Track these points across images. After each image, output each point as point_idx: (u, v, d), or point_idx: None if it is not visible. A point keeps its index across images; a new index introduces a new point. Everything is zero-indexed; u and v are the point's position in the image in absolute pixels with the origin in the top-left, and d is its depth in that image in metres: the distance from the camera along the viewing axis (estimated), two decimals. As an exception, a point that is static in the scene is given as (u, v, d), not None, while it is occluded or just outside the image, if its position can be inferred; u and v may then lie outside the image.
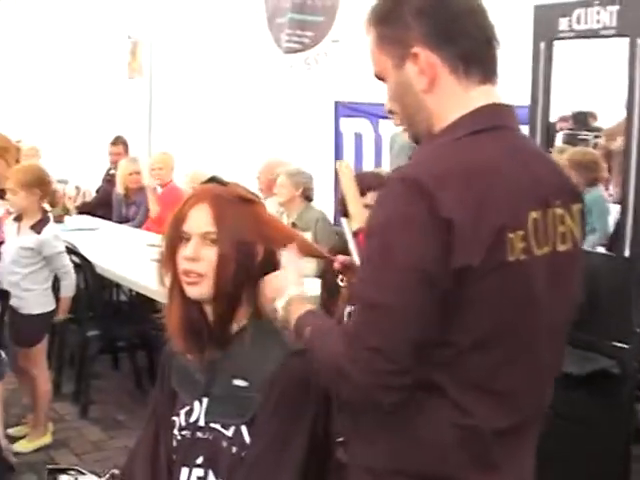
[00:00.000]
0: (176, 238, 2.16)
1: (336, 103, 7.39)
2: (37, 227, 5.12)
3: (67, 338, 6.27)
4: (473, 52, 1.77)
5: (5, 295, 4.85)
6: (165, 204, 7.62)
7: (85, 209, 8.83)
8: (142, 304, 5.78)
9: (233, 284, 2.12)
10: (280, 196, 6.11)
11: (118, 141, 9.15)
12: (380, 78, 1.87)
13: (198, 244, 2.12)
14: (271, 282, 2.11)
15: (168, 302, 2.23)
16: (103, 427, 5.65)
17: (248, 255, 2.14)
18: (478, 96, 1.78)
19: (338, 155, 7.41)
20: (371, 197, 3.13)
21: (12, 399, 5.51)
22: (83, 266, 5.86)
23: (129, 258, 6.20)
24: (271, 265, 2.16)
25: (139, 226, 7.93)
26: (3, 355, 4.70)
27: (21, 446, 5.19)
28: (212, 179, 2.27)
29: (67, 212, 7.86)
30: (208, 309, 2.18)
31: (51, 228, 5.20)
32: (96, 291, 6.03)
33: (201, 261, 2.11)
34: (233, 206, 2.15)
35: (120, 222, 8.25)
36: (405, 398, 1.69)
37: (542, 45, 3.99)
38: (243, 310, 2.17)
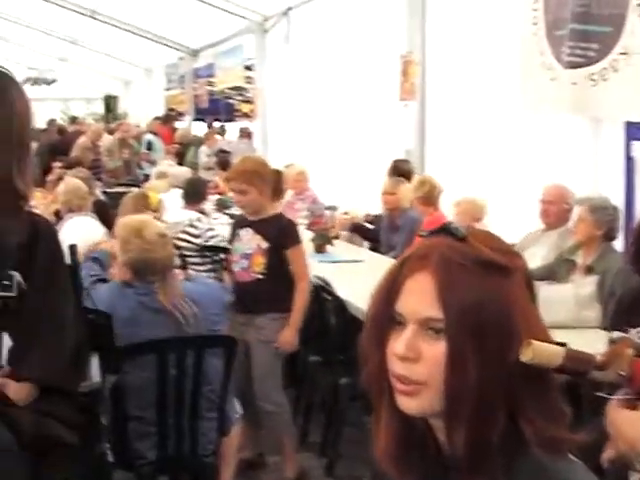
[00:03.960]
0: (385, 318, 1.41)
1: (627, 124, 6.37)
2: None
3: (318, 381, 5.70)
4: None
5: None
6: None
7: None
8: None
9: (475, 397, 1.35)
10: (578, 233, 5.18)
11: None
12: None
13: (416, 335, 1.36)
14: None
15: (375, 409, 1.51)
16: (347, 488, 4.96)
17: (497, 352, 1.36)
18: None
19: (630, 186, 6.37)
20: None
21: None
22: (335, 305, 5.27)
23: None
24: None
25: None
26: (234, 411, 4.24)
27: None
28: (444, 228, 1.43)
29: (328, 241, 7.31)
30: (436, 424, 1.43)
31: None
32: (349, 333, 5.40)
33: (420, 361, 1.37)
34: (473, 277, 1.36)
35: (387, 251, 7.63)
36: None
37: None
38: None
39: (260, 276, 4.81)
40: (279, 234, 4.80)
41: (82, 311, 3.04)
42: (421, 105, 9.18)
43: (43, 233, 2.66)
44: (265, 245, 4.78)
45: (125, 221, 4.17)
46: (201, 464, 3.95)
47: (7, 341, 2.74)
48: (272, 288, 4.80)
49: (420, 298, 1.37)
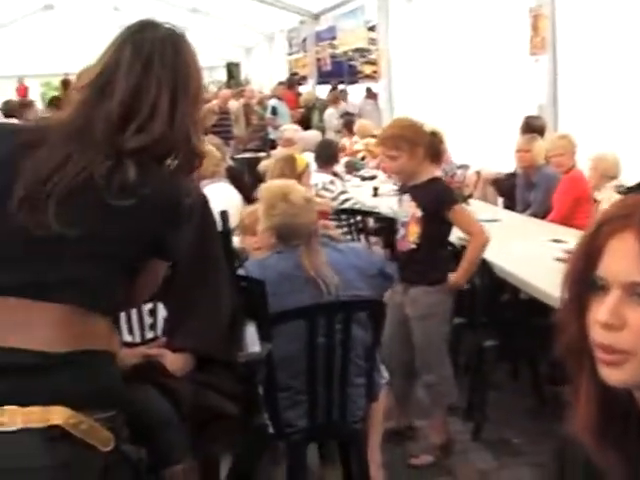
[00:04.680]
0: (585, 283, 1.29)
1: None
2: None
3: (462, 343, 5.58)
4: None
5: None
6: (566, 195, 6.70)
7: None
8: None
9: None
10: None
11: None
12: None
13: (620, 301, 1.22)
14: None
15: (574, 379, 1.41)
16: (494, 452, 4.81)
17: None
18: None
19: None
20: None
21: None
22: (478, 265, 5.11)
23: (529, 256, 5.34)
24: None
25: (540, 213, 7.07)
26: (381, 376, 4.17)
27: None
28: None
29: (464, 200, 7.13)
30: None
31: None
32: (494, 295, 5.28)
33: (625, 329, 1.24)
34: None
35: (523, 209, 7.43)
36: None
37: None
38: None
39: (414, 245, 4.61)
40: (434, 200, 4.54)
41: (236, 279, 3.01)
42: (552, 59, 8.90)
43: (195, 199, 2.61)
44: (419, 213, 4.55)
45: (269, 186, 4.10)
46: (350, 431, 3.87)
47: (162, 311, 2.73)
48: (425, 259, 4.59)
49: (624, 261, 1.25)
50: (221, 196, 6.18)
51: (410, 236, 4.62)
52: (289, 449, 3.85)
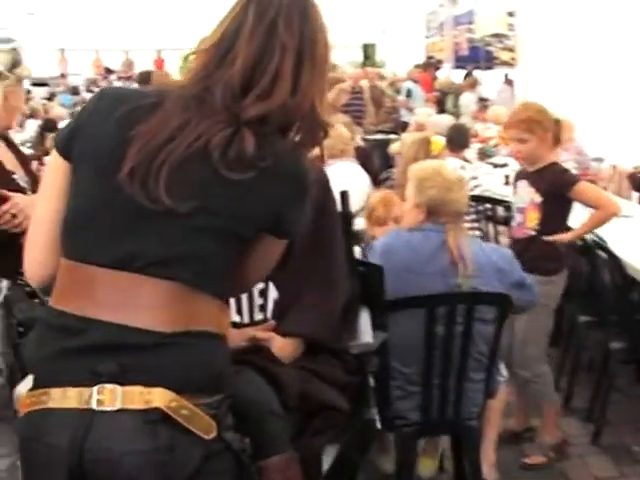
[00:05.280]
0: None
1: None
2: None
3: (586, 342, 5.31)
4: None
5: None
6: None
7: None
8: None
9: None
10: None
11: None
12: None
13: None
14: None
15: None
16: (614, 459, 4.53)
17: None
18: None
19: None
20: None
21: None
22: (609, 262, 4.86)
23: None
24: None
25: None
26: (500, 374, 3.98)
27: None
28: None
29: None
30: None
31: None
32: (624, 294, 4.97)
33: None
34: None
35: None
36: None
37: None
38: None
39: (533, 232, 4.43)
40: (555, 182, 4.37)
41: (354, 263, 2.85)
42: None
43: (314, 177, 2.46)
44: (539, 199, 4.38)
45: (420, 164, 3.98)
46: (464, 428, 3.70)
47: (274, 292, 2.59)
48: (543, 247, 4.39)
49: None
50: (348, 175, 6.08)
51: (529, 222, 4.46)
52: (399, 441, 3.70)
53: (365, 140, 10.53)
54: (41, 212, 1.96)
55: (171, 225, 1.80)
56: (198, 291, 1.82)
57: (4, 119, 3.45)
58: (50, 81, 21.51)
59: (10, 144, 3.50)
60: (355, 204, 4.92)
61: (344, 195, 2.81)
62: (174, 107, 1.84)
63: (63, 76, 24.29)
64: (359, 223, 4.98)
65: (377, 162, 8.97)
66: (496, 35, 16.53)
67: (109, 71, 26.22)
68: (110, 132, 1.84)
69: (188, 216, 1.78)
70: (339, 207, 2.72)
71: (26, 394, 1.85)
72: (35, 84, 18.21)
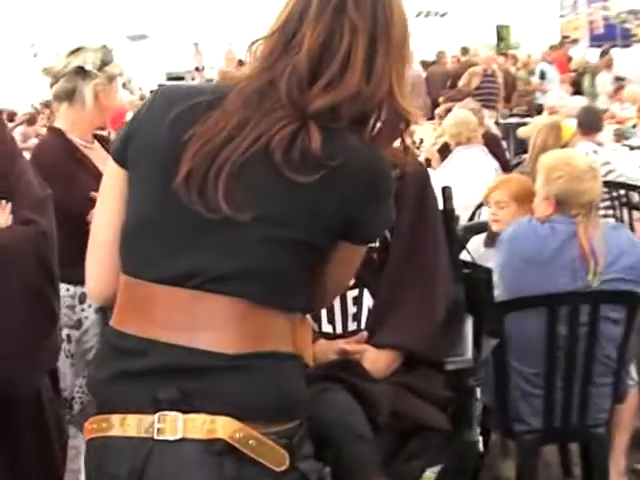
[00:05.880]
0: None
1: None
2: None
3: None
4: None
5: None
6: None
7: None
8: None
9: None
10: None
11: None
12: None
13: None
14: None
15: None
16: None
17: None
18: None
19: None
20: None
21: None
22: None
23: None
24: None
25: None
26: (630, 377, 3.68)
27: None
28: None
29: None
30: None
31: None
32: None
33: None
34: None
35: None
36: None
37: None
38: None
39: None
40: None
41: (457, 265, 2.61)
42: None
43: (411, 172, 2.23)
44: None
45: (549, 154, 3.77)
46: (590, 435, 3.43)
47: (369, 299, 2.36)
48: None
49: None
50: (473, 163, 5.95)
51: None
52: (521, 449, 3.46)
53: (498, 124, 10.23)
54: (99, 226, 1.80)
55: (233, 236, 1.60)
56: (266, 308, 1.62)
57: (96, 119, 3.38)
58: (186, 75, 21.80)
59: (106, 143, 3.40)
60: (479, 192, 4.70)
61: (446, 191, 2.58)
62: (233, 104, 1.64)
63: (198, 69, 24.57)
64: (484, 213, 4.78)
65: (511, 146, 8.72)
66: (633, 11, 15.86)
67: (241, 63, 26.38)
68: (164, 135, 1.65)
69: (251, 226, 1.59)
70: (440, 204, 2.49)
71: (89, 420, 1.71)
72: (171, 78, 18.46)
